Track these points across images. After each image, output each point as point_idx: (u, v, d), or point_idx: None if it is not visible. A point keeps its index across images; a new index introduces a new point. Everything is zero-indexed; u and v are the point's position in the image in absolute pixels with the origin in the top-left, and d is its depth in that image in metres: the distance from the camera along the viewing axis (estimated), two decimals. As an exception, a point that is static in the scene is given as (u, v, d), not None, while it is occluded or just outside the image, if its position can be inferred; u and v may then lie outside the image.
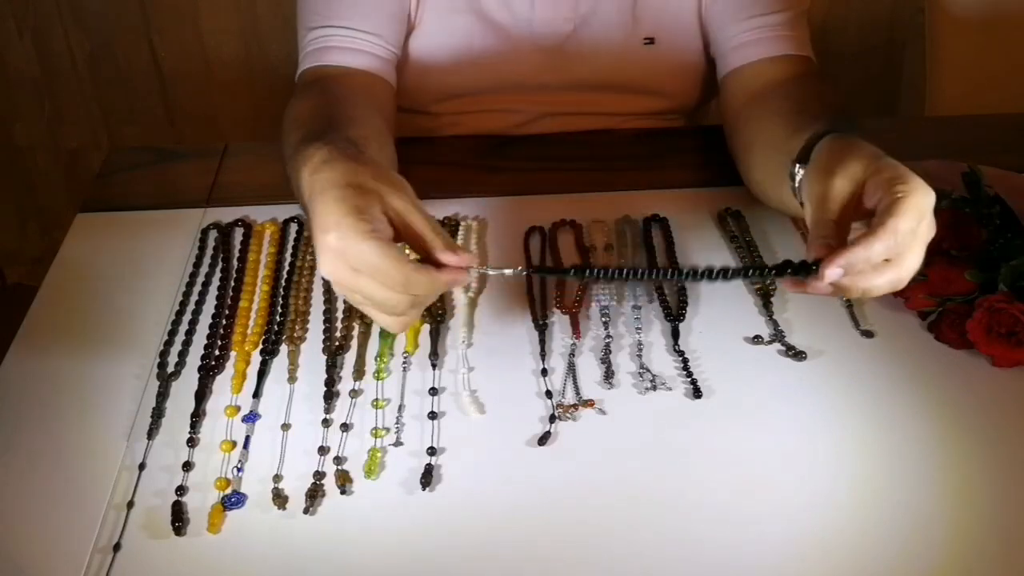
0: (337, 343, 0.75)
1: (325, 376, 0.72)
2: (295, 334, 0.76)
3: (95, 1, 1.60)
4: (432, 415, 0.69)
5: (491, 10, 0.96)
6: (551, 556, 0.60)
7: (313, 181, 0.63)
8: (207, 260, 0.84)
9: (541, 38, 0.97)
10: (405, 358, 0.74)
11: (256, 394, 0.71)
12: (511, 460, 0.66)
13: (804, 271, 0.60)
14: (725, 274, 0.61)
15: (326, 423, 0.68)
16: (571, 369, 0.73)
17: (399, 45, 0.94)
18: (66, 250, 0.86)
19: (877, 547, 0.59)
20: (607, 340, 0.75)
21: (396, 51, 0.94)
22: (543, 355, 0.74)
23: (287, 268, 0.83)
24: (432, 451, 0.66)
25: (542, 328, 0.76)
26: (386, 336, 0.75)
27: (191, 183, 0.94)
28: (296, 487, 0.64)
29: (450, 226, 0.86)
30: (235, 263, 0.84)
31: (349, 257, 0.60)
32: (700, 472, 0.65)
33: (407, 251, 0.64)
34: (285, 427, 0.68)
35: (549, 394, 0.70)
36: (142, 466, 0.65)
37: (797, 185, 0.70)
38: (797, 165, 0.69)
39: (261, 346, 0.75)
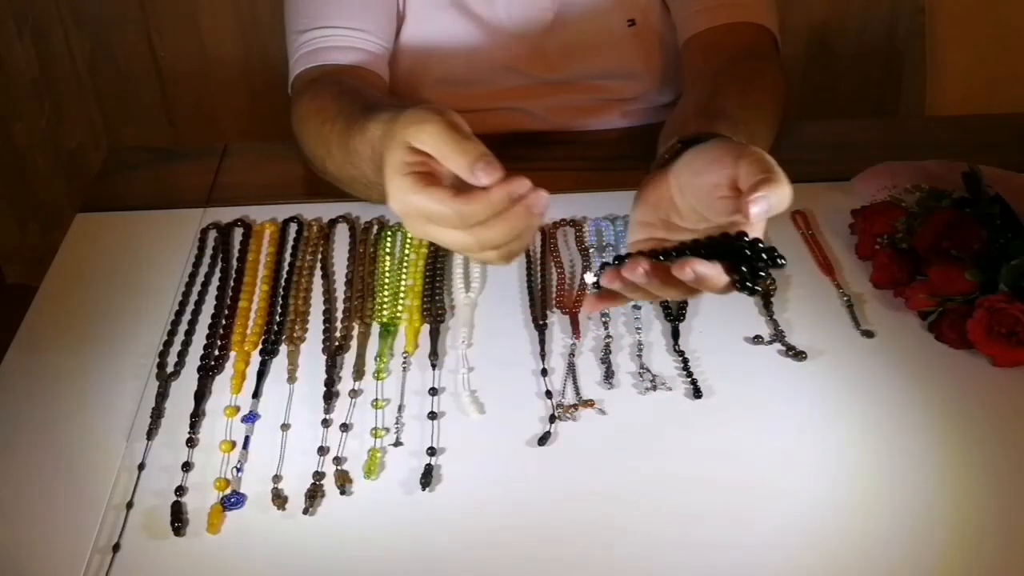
0: (337, 343, 0.75)
1: (325, 376, 0.72)
2: (295, 334, 0.76)
3: (95, 1, 1.60)
4: (432, 415, 0.69)
5: (471, 4, 0.96)
6: (551, 556, 0.60)
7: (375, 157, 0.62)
8: (206, 260, 0.84)
9: (522, 29, 0.97)
10: (405, 358, 0.74)
11: (256, 394, 0.71)
12: (511, 460, 0.66)
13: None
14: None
15: (326, 423, 0.68)
16: (571, 369, 0.72)
17: (390, 40, 0.95)
18: (66, 250, 0.86)
19: (877, 546, 0.59)
20: (607, 340, 0.75)
21: (387, 46, 0.94)
22: (543, 355, 0.73)
23: (287, 268, 0.83)
24: (432, 451, 0.66)
25: (542, 328, 0.76)
26: (386, 336, 0.75)
27: (190, 183, 0.94)
28: (296, 487, 0.64)
29: (450, 226, 0.86)
30: (234, 263, 0.84)
31: (410, 214, 0.58)
32: (700, 472, 0.64)
33: None
34: (285, 427, 0.68)
35: (549, 394, 0.70)
36: (141, 466, 0.65)
37: (660, 153, 0.67)
38: (667, 145, 0.67)
39: (261, 346, 0.75)
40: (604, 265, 0.61)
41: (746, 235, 0.57)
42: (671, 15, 0.98)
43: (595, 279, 0.62)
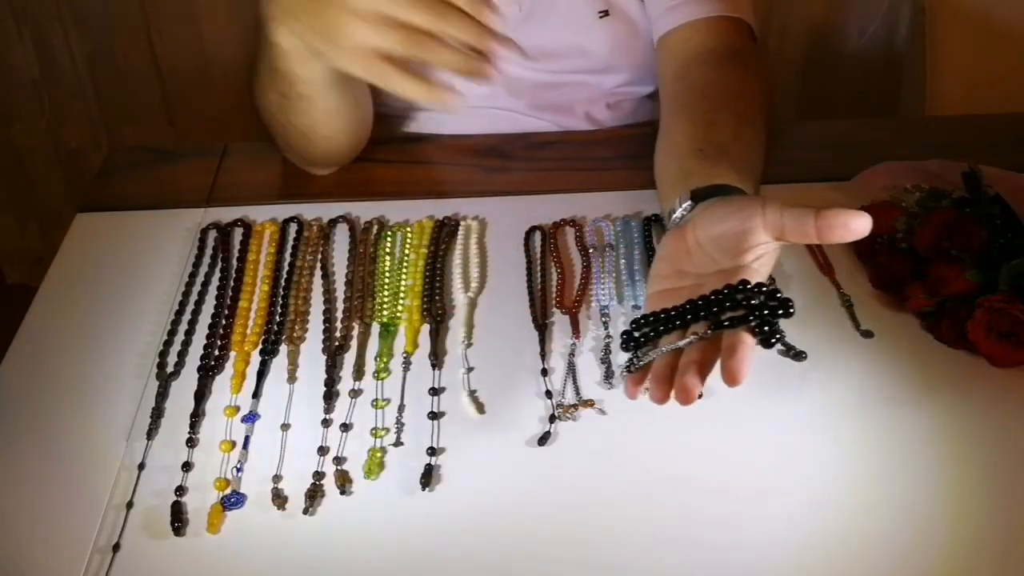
0: (337, 343, 0.75)
1: (325, 376, 0.72)
2: (295, 334, 0.76)
3: (95, 1, 1.60)
4: (432, 415, 0.69)
5: None
6: (551, 556, 0.60)
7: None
8: (206, 260, 0.84)
9: (492, 24, 0.97)
10: (405, 358, 0.74)
11: (256, 394, 0.71)
12: (511, 460, 0.66)
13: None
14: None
15: (326, 423, 0.68)
16: (571, 369, 0.72)
17: None
18: (66, 250, 0.86)
19: (877, 547, 0.59)
20: (607, 340, 0.75)
21: None
22: (543, 355, 0.74)
23: (287, 268, 0.83)
24: (432, 451, 0.66)
25: (542, 328, 0.76)
26: (386, 336, 0.75)
27: (190, 183, 0.94)
28: (296, 487, 0.64)
29: (450, 226, 0.86)
30: (234, 263, 0.84)
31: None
32: (699, 472, 0.65)
33: None
34: (285, 427, 0.68)
35: (549, 394, 0.70)
36: (141, 466, 0.65)
37: (676, 217, 0.69)
38: (679, 201, 0.69)
39: (261, 346, 0.75)
40: (628, 338, 0.63)
41: (748, 283, 0.58)
42: (645, 8, 0.97)
43: (627, 362, 0.63)
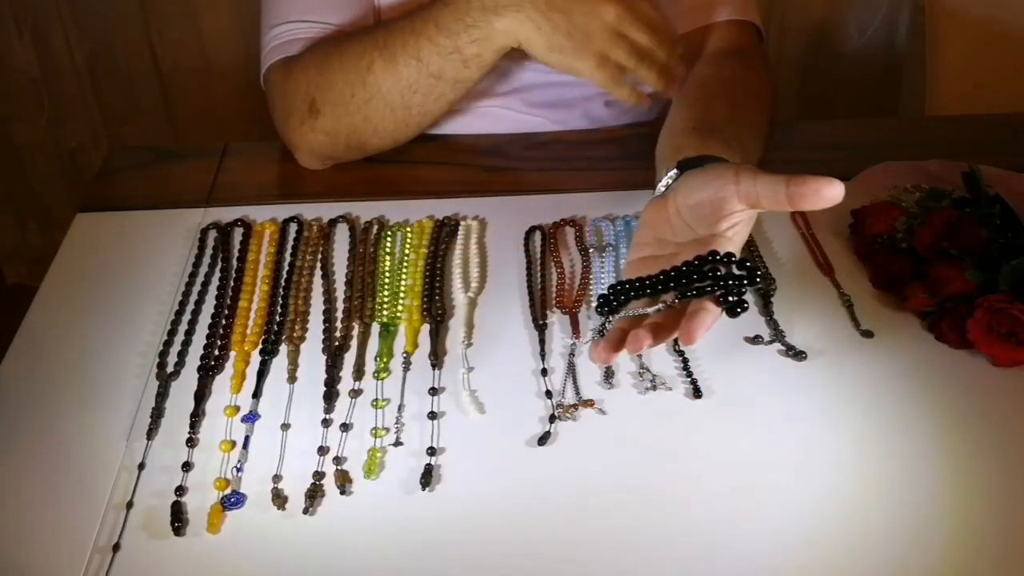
0: (337, 343, 0.75)
1: (325, 376, 0.72)
2: (295, 334, 0.76)
3: (95, 1, 1.60)
4: (432, 415, 0.69)
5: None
6: (551, 556, 0.60)
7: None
8: (206, 260, 0.84)
9: None
10: (405, 358, 0.74)
11: (256, 394, 0.71)
12: (511, 460, 0.66)
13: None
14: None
15: (326, 423, 0.68)
16: (571, 369, 0.72)
17: None
18: (66, 250, 0.86)
19: (877, 547, 0.59)
20: (607, 340, 0.75)
21: None
22: (543, 355, 0.73)
23: (287, 268, 0.83)
24: (432, 451, 0.66)
25: (542, 328, 0.76)
26: (386, 336, 0.75)
27: (190, 183, 0.94)
28: (296, 487, 0.64)
29: (450, 226, 0.86)
30: (234, 263, 0.84)
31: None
32: (700, 472, 0.64)
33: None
34: (285, 427, 0.68)
35: (549, 394, 0.70)
36: (141, 466, 0.65)
37: (661, 186, 0.71)
38: (666, 171, 0.71)
39: (261, 346, 0.75)
40: (603, 302, 0.65)
41: (718, 253, 0.60)
42: None
43: (599, 325, 0.65)
